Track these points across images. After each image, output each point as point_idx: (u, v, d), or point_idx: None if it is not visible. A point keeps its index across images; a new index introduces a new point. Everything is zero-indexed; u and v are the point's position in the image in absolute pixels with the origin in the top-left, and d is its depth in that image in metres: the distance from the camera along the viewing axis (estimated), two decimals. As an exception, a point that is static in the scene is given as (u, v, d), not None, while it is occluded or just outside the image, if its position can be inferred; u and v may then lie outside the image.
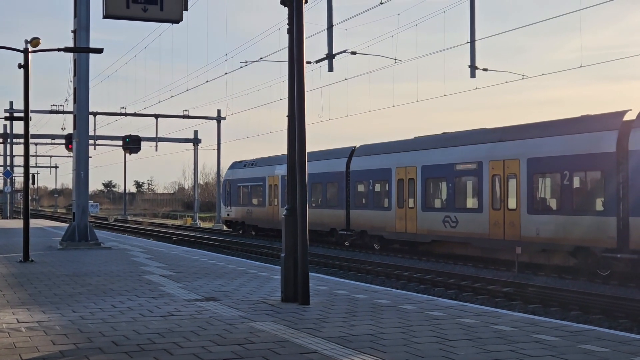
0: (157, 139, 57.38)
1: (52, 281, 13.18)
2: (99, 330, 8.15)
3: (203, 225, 60.79)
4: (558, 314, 14.88)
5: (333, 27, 25.35)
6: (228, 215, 45.29)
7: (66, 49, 19.15)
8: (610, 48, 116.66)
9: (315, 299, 10.62)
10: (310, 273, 10.61)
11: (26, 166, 18.91)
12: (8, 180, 60.87)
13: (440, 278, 20.10)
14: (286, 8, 10.95)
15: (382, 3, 23.99)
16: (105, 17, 15.23)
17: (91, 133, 48.71)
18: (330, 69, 25.85)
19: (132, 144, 49.49)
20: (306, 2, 10.69)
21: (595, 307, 15.11)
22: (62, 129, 58.23)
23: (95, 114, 53.26)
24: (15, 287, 12.27)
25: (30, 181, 21.21)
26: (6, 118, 29.74)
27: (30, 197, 19.10)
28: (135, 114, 54.30)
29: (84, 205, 22.74)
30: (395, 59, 27.76)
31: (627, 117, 19.97)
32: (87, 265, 16.34)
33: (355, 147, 32.79)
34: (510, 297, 16.90)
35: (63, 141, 50.93)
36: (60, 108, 53.76)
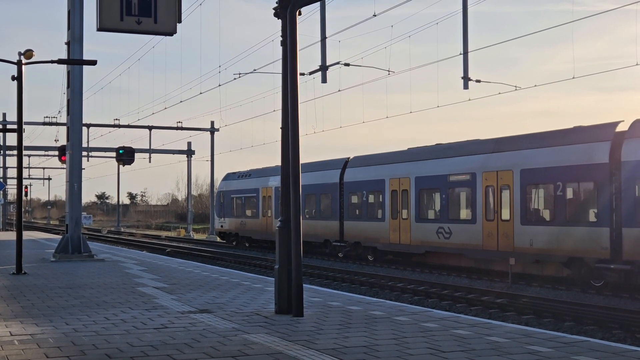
0: (150, 151, 57.36)
1: (45, 293, 13.14)
2: (92, 343, 8.13)
3: (197, 236, 60.69)
4: (551, 325, 14.89)
5: (326, 39, 25.44)
6: (222, 226, 45.23)
7: (60, 61, 19.16)
8: (602, 59, 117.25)
9: (309, 310, 10.61)
10: (304, 285, 10.61)
11: (19, 178, 18.87)
12: (1, 192, 60.69)
13: (434, 289, 20.10)
14: (280, 20, 11.00)
15: (375, 15, 24.10)
16: (99, 29, 15.23)
17: (84, 145, 48.67)
18: (324, 80, 25.92)
19: (125, 155, 49.35)
20: (300, 14, 10.73)
21: (588, 318, 15.13)
22: (55, 140, 58.17)
23: (88, 125, 53.22)
24: (8, 300, 12.23)
25: (23, 193, 21.13)
26: (-1, 130, 29.68)
27: (23, 209, 19.05)
28: (128, 126, 54.28)
29: (77, 217, 22.68)
30: (389, 71, 27.87)
31: (619, 128, 20.08)
32: (80, 278, 16.30)
33: (348, 158, 32.82)
34: (504, 308, 16.91)
35: (56, 153, 50.84)
36: (54, 120, 53.72)
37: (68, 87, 22.55)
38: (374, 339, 8.37)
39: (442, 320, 9.84)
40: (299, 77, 10.58)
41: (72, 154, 22.51)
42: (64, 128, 23.77)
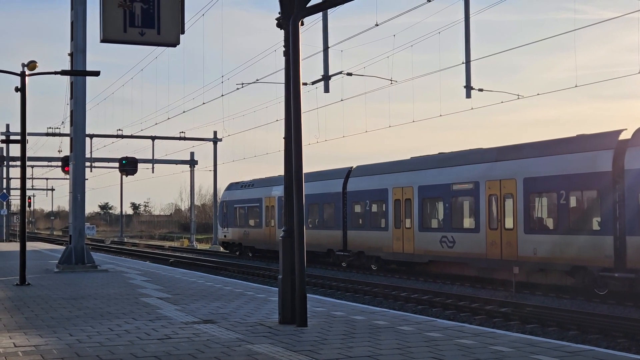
0: (153, 161, 57.43)
1: (49, 304, 13.14)
2: (96, 354, 8.12)
3: (200, 246, 60.66)
4: (556, 334, 14.84)
5: (329, 49, 25.49)
6: (225, 236, 45.22)
7: (63, 72, 19.21)
8: (603, 67, 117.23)
9: (312, 320, 10.60)
10: (307, 294, 10.60)
11: (23, 189, 18.91)
12: (4, 203, 60.74)
13: (438, 298, 20.06)
14: (282, 30, 11.03)
15: (377, 24, 24.16)
16: (103, 41, 15.27)
17: (88, 155, 48.76)
18: (327, 90, 25.94)
19: (128, 165, 49.42)
20: (302, 24, 10.76)
21: (593, 326, 15.08)
22: (58, 151, 58.10)
23: (91, 136, 53.32)
24: (12, 311, 12.23)
25: (27, 204, 21.23)
26: (3, 141, 29.81)
27: (26, 220, 19.07)
28: (131, 136, 54.39)
29: (81, 227, 22.70)
30: (391, 80, 27.91)
31: (622, 137, 20.08)
32: (83, 288, 16.30)
33: (351, 167, 32.82)
34: (508, 317, 16.86)
35: (59, 163, 50.84)
36: (57, 130, 53.74)
37: (71, 98, 22.61)
38: (378, 348, 8.35)
39: (446, 330, 9.82)
40: (301, 86, 10.61)
41: (75, 164, 22.53)
42: (67, 139, 23.84)
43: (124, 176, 57.21)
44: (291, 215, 10.47)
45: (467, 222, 24.98)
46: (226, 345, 8.63)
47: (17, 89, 18.58)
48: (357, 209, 31.15)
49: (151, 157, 57.12)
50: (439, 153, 28.12)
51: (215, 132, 59.02)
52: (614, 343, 13.86)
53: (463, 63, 24.33)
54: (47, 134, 54.01)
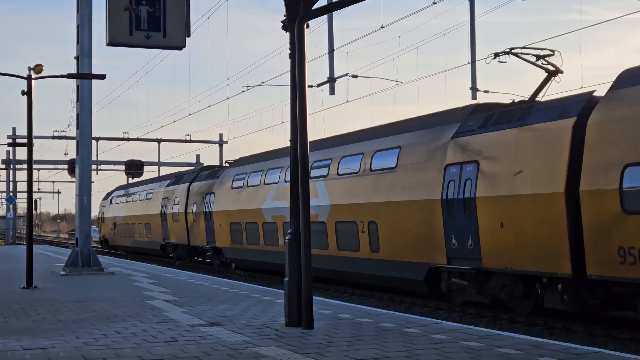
0: (159, 164, 57.45)
1: (55, 307, 13.17)
2: (103, 357, 8.14)
3: (206, 249, 60.58)
4: (562, 336, 14.80)
5: (334, 51, 25.49)
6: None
7: (69, 76, 19.28)
8: (610, 68, 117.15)
9: (319, 323, 10.59)
10: (313, 297, 10.60)
11: (29, 192, 18.95)
12: (11, 206, 60.89)
13: (444, 300, 19.98)
14: (287, 33, 11.04)
15: (383, 27, 24.17)
16: (109, 44, 15.33)
17: (94, 158, 48.84)
18: (332, 92, 25.93)
19: (134, 168, 49.53)
20: (307, 27, 10.77)
21: (600, 328, 15.03)
22: (64, 154, 58.14)
23: (97, 139, 53.32)
24: (19, 314, 12.26)
25: (33, 207, 21.28)
26: (9, 144, 29.88)
27: (33, 223, 19.12)
28: (137, 139, 54.43)
29: (87, 230, 22.73)
30: (397, 81, 27.86)
31: None
32: (90, 291, 16.33)
33: None
34: (514, 319, 16.81)
35: (66, 166, 51.03)
36: (63, 133, 53.80)
37: (77, 101, 22.66)
38: (385, 351, 8.35)
39: (453, 332, 9.81)
40: (307, 89, 10.61)
41: (81, 167, 22.58)
42: (74, 142, 23.91)
43: (129, 179, 57.19)
44: (297, 218, 10.47)
45: None
46: (233, 348, 8.63)
47: (23, 93, 18.65)
48: None
49: (157, 160, 57.17)
50: None
51: (220, 135, 59.07)
52: (622, 345, 13.82)
53: (468, 63, 24.32)
54: (54, 137, 54.09)
